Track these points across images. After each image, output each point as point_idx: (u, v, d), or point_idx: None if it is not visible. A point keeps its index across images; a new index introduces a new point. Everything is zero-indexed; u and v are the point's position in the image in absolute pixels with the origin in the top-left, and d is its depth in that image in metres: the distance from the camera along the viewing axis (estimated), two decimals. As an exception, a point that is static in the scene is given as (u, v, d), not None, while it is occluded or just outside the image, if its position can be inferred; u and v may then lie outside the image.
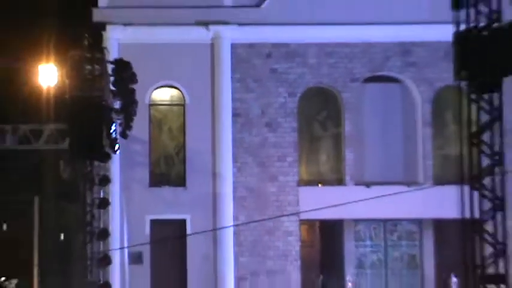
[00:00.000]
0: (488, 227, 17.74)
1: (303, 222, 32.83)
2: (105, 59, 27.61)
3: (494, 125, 18.30)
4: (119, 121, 28.40)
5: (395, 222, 33.31)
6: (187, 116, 32.97)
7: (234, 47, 32.73)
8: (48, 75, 27.52)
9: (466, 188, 18.11)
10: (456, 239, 24.16)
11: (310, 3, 32.67)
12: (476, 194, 17.97)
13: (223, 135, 32.45)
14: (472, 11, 17.99)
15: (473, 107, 18.43)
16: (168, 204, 32.34)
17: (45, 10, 29.54)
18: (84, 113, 24.54)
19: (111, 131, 26.94)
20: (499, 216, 17.74)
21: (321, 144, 33.57)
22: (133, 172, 32.11)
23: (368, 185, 32.20)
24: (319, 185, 33.29)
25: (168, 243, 32.37)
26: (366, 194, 30.23)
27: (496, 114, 18.24)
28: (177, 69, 32.60)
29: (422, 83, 32.68)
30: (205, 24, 32.53)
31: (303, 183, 32.84)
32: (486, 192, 18.04)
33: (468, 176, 18.49)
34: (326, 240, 33.74)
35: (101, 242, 27.71)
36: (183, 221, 32.31)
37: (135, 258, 31.16)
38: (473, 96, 18.36)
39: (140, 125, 30.72)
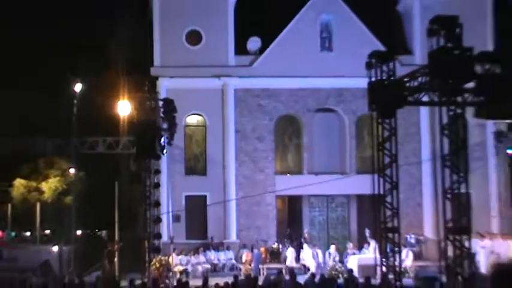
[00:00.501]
0: (388, 199, 20.35)
1: (278, 197, 34.47)
2: (158, 98, 29.01)
3: (392, 138, 20.59)
4: (166, 135, 28.43)
5: (333, 196, 34.75)
6: (208, 133, 34.62)
7: (236, 91, 34.38)
8: (124, 106, 28.75)
9: (376, 176, 20.64)
10: (370, 207, 26.92)
11: (282, 64, 33.74)
12: (382, 180, 20.46)
13: (229, 144, 34.22)
14: (378, 70, 20.46)
15: (380, 127, 20.70)
16: (195, 186, 34.07)
17: (124, 67, 30.62)
18: (145, 131, 26.45)
19: (161, 141, 27.80)
20: (394, 192, 20.33)
21: (288, 150, 35.46)
22: (174, 166, 33.38)
23: (316, 174, 33.73)
24: (288, 174, 34.90)
25: (196, 209, 33.94)
26: (315, 180, 32.58)
27: (393, 132, 20.58)
28: (201, 104, 34.03)
29: (349, 113, 34.08)
30: (218, 76, 33.94)
31: (277, 173, 34.59)
32: (387, 178, 20.52)
33: (377, 168, 20.82)
34: (291, 208, 35.39)
35: (155, 209, 28.36)
36: (205, 196, 33.98)
37: (176, 219, 32.33)
38: (379, 120, 20.74)
39: (179, 138, 31.05)
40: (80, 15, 40.24)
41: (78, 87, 29.74)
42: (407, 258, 26.55)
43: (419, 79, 20.07)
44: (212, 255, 31.06)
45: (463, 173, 18.60)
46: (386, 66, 20.65)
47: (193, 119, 34.85)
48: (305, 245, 31.02)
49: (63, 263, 30.09)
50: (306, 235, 33.04)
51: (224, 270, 29.34)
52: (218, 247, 32.03)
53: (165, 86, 33.39)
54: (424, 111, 31.16)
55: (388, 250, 20.83)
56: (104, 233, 37.50)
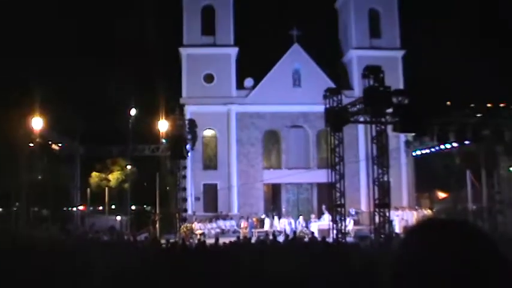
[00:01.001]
0: (337, 185, 20.53)
1: (265, 184, 34.13)
2: (185, 119, 29.43)
3: (340, 145, 20.99)
4: (189, 143, 28.63)
5: (302, 184, 34.32)
6: (218, 142, 34.47)
7: (236, 114, 34.24)
8: (162, 124, 28.02)
9: (330, 170, 20.95)
10: (325, 191, 27.09)
11: (267, 96, 33.74)
12: (333, 172, 20.82)
13: (232, 149, 34.12)
14: (331, 100, 20.78)
15: (332, 138, 21.10)
16: (210, 177, 33.91)
17: (163, 98, 29.48)
18: (176, 141, 26.47)
19: (187, 147, 27.89)
20: (341, 181, 20.48)
21: (272, 152, 35.22)
22: (196, 163, 32.70)
23: (290, 168, 33.40)
24: (271, 169, 34.56)
25: (210, 192, 33.83)
26: (290, 173, 32.68)
27: (341, 141, 20.93)
28: (213, 122, 33.84)
29: (312, 128, 33.74)
30: (225, 104, 33.87)
31: (264, 168, 34.43)
32: (337, 172, 20.73)
33: (330, 165, 21.13)
34: (274, 192, 34.87)
35: (183, 192, 28.49)
36: (216, 184, 33.87)
37: (197, 199, 32.15)
38: (332, 133, 21.09)
39: (198, 145, 31.43)
40: (134, 64, 40.45)
41: (133, 111, 29.74)
42: (349, 224, 26.52)
43: (358, 106, 20.34)
44: (221, 223, 30.81)
45: (385, 168, 19.03)
46: (336, 98, 21.03)
47: (208, 133, 34.60)
48: (282, 217, 30.95)
49: (123, 227, 30.20)
50: (283, 210, 33.11)
51: (229, 233, 29.02)
52: (225, 217, 31.80)
53: (190, 111, 33.19)
54: (360, 127, 31.02)
55: (337, 219, 21.08)
56: (149, 207, 37.24)
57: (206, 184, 33.83)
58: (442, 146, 27.02)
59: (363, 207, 31.37)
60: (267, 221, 29.45)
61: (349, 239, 23.55)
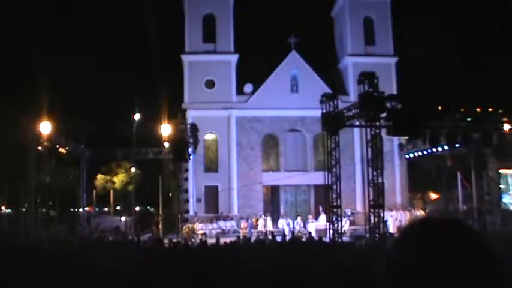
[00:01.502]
0: (334, 187, 20.52)
1: (264, 186, 33.83)
2: (187, 123, 29.11)
3: (336, 148, 20.98)
4: (191, 147, 27.68)
5: (299, 185, 34.05)
6: (219, 145, 34.18)
7: (237, 118, 33.95)
8: (165, 128, 27.38)
9: (326, 172, 20.89)
10: (322, 192, 26.93)
11: (266, 101, 33.54)
12: (330, 175, 20.78)
13: (232, 152, 33.88)
14: (327, 105, 20.77)
15: (329, 141, 21.10)
16: (210, 179, 33.60)
17: (165, 103, 28.76)
18: (178, 144, 26.24)
19: (189, 151, 27.37)
20: (337, 183, 20.58)
21: (270, 155, 34.87)
22: (197, 166, 32.73)
23: (289, 171, 33.37)
24: (270, 171, 34.26)
25: (211, 194, 33.53)
26: (288, 175, 32.57)
27: (337, 144, 20.91)
28: (214, 126, 33.65)
29: (309, 132, 33.47)
30: (225, 108, 33.68)
31: (264, 170, 34.16)
32: (333, 174, 20.71)
33: (327, 167, 21.09)
34: (273, 193, 34.45)
35: (185, 194, 28.41)
36: (217, 186, 33.51)
37: (198, 200, 32.23)
38: (328, 137, 21.09)
39: (200, 148, 30.96)
40: (138, 71, 40.53)
41: (137, 116, 29.61)
42: (345, 224, 26.54)
43: (353, 111, 20.30)
44: (222, 223, 30.68)
45: (379, 170, 18.92)
46: (332, 103, 21.09)
47: (209, 136, 34.42)
48: (281, 217, 30.84)
49: (127, 228, 30.12)
50: (282, 211, 32.92)
51: (229, 233, 28.92)
52: (225, 218, 31.63)
53: (192, 115, 32.99)
54: (356, 131, 30.88)
55: (333, 219, 21.02)
56: (152, 209, 37.13)
57: (207, 186, 33.65)
58: (433, 149, 26.98)
59: (358, 207, 31.16)
60: (260, 222, 29.33)
61: (345, 238, 23.42)
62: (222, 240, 18.31)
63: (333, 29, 39.20)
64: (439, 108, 21.20)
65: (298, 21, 37.54)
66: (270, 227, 28.95)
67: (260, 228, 28.68)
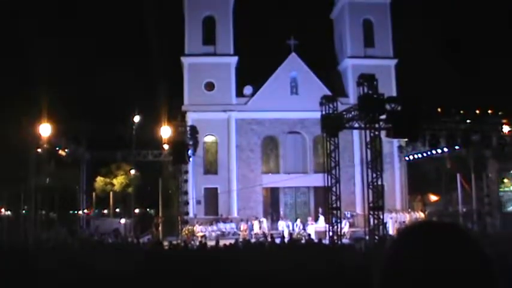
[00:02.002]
0: (333, 189, 20.56)
1: (263, 188, 33.65)
2: (186, 125, 29.30)
3: (336, 150, 21.01)
4: (191, 149, 28.59)
5: (299, 187, 33.81)
6: (218, 147, 33.88)
7: (236, 120, 33.76)
8: (165, 130, 27.37)
9: (326, 174, 20.95)
10: (322, 194, 26.44)
11: (266, 103, 33.41)
12: (329, 176, 20.82)
13: (232, 154, 33.65)
14: (327, 107, 20.73)
15: (328, 143, 21.15)
16: (210, 181, 33.33)
17: (165, 106, 28.84)
18: (178, 146, 26.46)
19: (188, 153, 27.76)
20: (337, 185, 20.60)
21: (270, 157, 34.67)
22: (197, 168, 32.51)
23: (288, 173, 32.95)
24: (270, 173, 33.98)
25: (211, 196, 33.21)
26: (288, 177, 32.12)
27: (336, 146, 20.93)
28: (214, 128, 33.40)
29: (309, 134, 33.37)
30: (225, 111, 33.50)
31: (263, 172, 33.94)
32: (333, 176, 20.70)
33: (326, 169, 21.14)
34: (272, 195, 34.20)
35: (185, 196, 28.65)
36: (216, 188, 33.23)
37: (198, 202, 31.97)
38: (328, 138, 21.18)
39: (200, 150, 31.20)
40: (138, 73, 40.52)
41: (136, 118, 29.52)
42: (345, 226, 26.56)
43: (352, 113, 20.32)
44: (221, 225, 30.62)
45: (379, 172, 18.97)
46: (332, 105, 21.12)
47: (209, 138, 34.29)
48: (281, 219, 30.77)
49: (127, 230, 30.03)
50: (281, 213, 32.87)
51: (229, 235, 28.81)
52: (225, 220, 31.52)
53: (191, 117, 32.91)
54: (355, 133, 30.78)
55: (333, 221, 21.05)
56: (152, 211, 37.07)
57: (207, 188, 33.47)
58: (433, 151, 27.08)
59: (358, 209, 31.08)
60: (256, 223, 29.29)
61: (345, 240, 23.41)
62: (222, 243, 18.28)
63: (332, 31, 39.19)
64: (439, 110, 21.41)
65: (298, 23, 37.96)
66: (266, 229, 28.92)
67: (256, 230, 28.67)
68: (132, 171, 32.66)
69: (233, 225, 30.76)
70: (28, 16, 36.49)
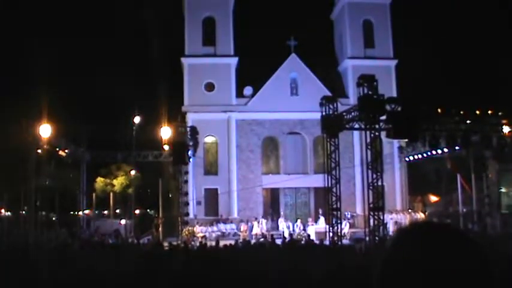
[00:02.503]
0: (333, 189, 20.45)
1: (263, 189, 33.71)
2: (186, 126, 29.30)
3: (336, 151, 20.93)
4: (191, 149, 28.20)
5: (299, 188, 33.88)
6: (218, 148, 33.90)
7: (236, 121, 33.76)
8: (165, 131, 27.23)
9: (326, 175, 20.84)
10: (322, 195, 26.49)
11: (266, 104, 33.48)
12: (329, 177, 20.73)
13: (232, 155, 33.66)
14: (327, 107, 20.67)
15: (328, 144, 21.03)
16: (210, 181, 33.36)
17: (165, 106, 28.31)
18: (178, 147, 26.34)
19: (188, 153, 27.77)
20: (337, 185, 20.50)
21: (270, 158, 34.67)
22: (197, 169, 32.61)
23: (289, 174, 32.96)
24: (270, 174, 34.03)
25: (211, 197, 33.29)
26: (288, 178, 32.15)
27: (337, 147, 20.86)
28: (214, 129, 33.44)
29: (309, 134, 33.44)
30: (225, 111, 33.53)
31: (263, 173, 33.96)
32: (333, 176, 20.60)
33: (327, 170, 21.02)
34: (273, 196, 34.29)
35: (185, 197, 28.52)
36: (217, 188, 33.28)
37: (198, 203, 32.02)
38: (328, 139, 21.06)
39: (200, 151, 31.27)
40: (138, 74, 40.51)
41: (136, 119, 29.45)
42: (345, 227, 26.52)
43: (353, 113, 20.29)
44: (221, 226, 30.58)
45: (379, 172, 18.89)
46: (332, 105, 21.07)
47: (209, 139, 34.29)
48: (281, 220, 30.66)
49: (127, 231, 29.97)
50: (282, 213, 32.76)
51: (229, 236, 28.82)
52: (225, 221, 31.51)
53: (191, 118, 32.93)
54: (355, 133, 30.72)
55: (333, 222, 20.97)
56: (152, 211, 37.03)
57: (207, 189, 33.49)
58: (433, 152, 27.04)
59: (358, 210, 31.07)
60: (255, 224, 29.30)
61: (345, 241, 23.37)
62: (222, 243, 18.23)
63: (332, 31, 39.22)
64: (439, 110, 21.39)
65: (298, 24, 37.55)
66: (264, 229, 28.91)
67: (256, 231, 28.64)
68: (132, 172, 32.45)
69: (233, 226, 30.69)
70: (28, 16, 36.43)
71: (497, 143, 22.71)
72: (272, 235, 24.98)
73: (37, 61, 30.09)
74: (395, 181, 33.79)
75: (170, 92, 33.20)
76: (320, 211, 29.68)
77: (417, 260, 1.10)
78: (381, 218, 18.38)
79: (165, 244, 18.89)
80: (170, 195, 32.39)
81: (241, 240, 23.07)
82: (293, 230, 28.53)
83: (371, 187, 18.70)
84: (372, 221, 18.36)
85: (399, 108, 18.18)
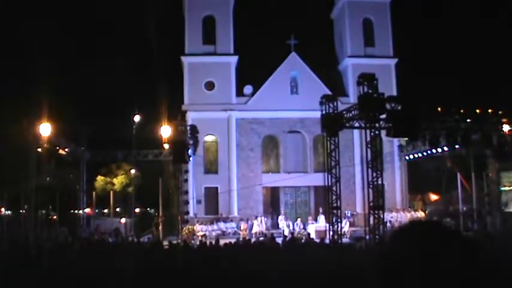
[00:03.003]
0: (333, 188, 20.11)
1: (264, 188, 33.73)
2: (186, 125, 29.18)
3: (336, 149, 20.76)
4: (191, 148, 28.07)
5: (299, 187, 33.89)
6: (218, 146, 33.94)
7: (236, 119, 33.80)
8: (165, 130, 27.13)
9: (326, 174, 20.69)
10: (322, 194, 26.77)
11: (266, 102, 33.44)
12: (330, 176, 20.57)
13: (232, 154, 33.70)
14: (327, 106, 20.56)
15: (328, 143, 20.87)
16: (210, 180, 33.40)
17: (165, 105, 27.97)
18: (178, 145, 26.14)
19: (188, 152, 27.65)
20: (337, 184, 20.32)
21: (270, 157, 34.67)
22: (197, 167, 32.61)
23: (289, 172, 33.10)
24: (270, 173, 34.01)
25: (211, 196, 33.32)
26: (288, 176, 32.21)
27: (337, 145, 20.69)
28: (214, 128, 33.46)
29: (309, 133, 33.41)
30: (225, 110, 33.59)
31: (263, 172, 33.99)
32: (333, 175, 20.49)
33: (327, 169, 20.90)
34: (273, 195, 34.28)
35: (185, 195, 28.57)
36: (217, 187, 33.32)
37: (198, 202, 32.07)
38: (328, 138, 20.89)
39: (200, 150, 31.27)
40: (138, 73, 40.47)
41: (137, 117, 29.47)
42: (345, 226, 26.50)
43: (353, 112, 20.25)
44: (221, 225, 30.56)
45: (379, 171, 18.83)
46: (332, 104, 20.95)
47: (209, 138, 34.31)
48: (281, 218, 30.63)
49: (127, 229, 29.97)
50: (282, 212, 32.75)
51: (229, 235, 28.82)
52: (225, 220, 31.51)
53: (191, 117, 32.96)
54: (355, 132, 30.77)
55: (333, 221, 20.89)
56: (152, 210, 37.04)
57: (207, 187, 33.49)
58: (433, 150, 27.05)
59: (358, 209, 31.04)
60: (255, 222, 29.22)
61: (345, 240, 23.37)
62: (222, 242, 18.19)
63: (332, 30, 39.21)
64: (439, 109, 21.37)
65: (298, 22, 37.31)
66: (264, 228, 28.93)
67: (256, 229, 28.60)
68: (133, 171, 32.53)
69: (233, 224, 30.66)
70: (28, 15, 36.44)
71: (497, 142, 22.75)
72: (272, 234, 25.00)
73: (37, 60, 30.11)
74: (395, 180, 33.82)
75: (170, 90, 33.25)
76: (320, 210, 29.71)
77: (413, 259, 1.12)
78: (381, 216, 18.28)
79: (165, 243, 18.89)
80: (170, 194, 32.32)
81: (241, 239, 23.05)
82: (293, 229, 28.51)
83: (371, 186, 18.63)
84: (372, 219, 18.28)
85: (399, 107, 18.14)
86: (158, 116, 28.26)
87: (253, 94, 34.62)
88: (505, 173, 26.77)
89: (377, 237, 17.85)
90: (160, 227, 29.25)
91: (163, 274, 8.48)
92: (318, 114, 21.46)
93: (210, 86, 34.30)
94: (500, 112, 22.00)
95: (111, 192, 33.18)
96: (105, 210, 38.21)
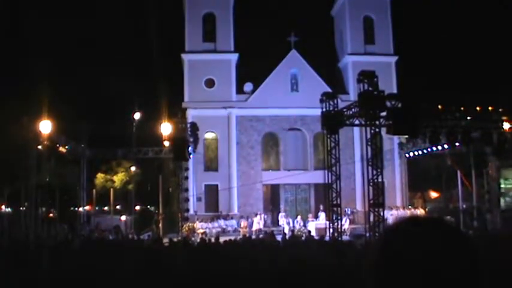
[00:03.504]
0: (334, 186, 20.30)
1: (264, 185, 33.63)
2: (187, 122, 29.23)
3: (336, 147, 20.78)
4: (191, 145, 28.27)
5: (299, 184, 33.94)
6: (219, 144, 34.05)
7: (236, 117, 33.87)
8: (165, 127, 26.97)
9: (326, 171, 20.73)
10: (322, 191, 26.64)
11: (266, 100, 33.46)
12: (330, 173, 20.59)
13: (232, 151, 33.76)
14: (327, 104, 20.53)
15: (328, 140, 20.90)
16: (210, 177, 33.54)
17: (165, 103, 28.21)
18: (179, 143, 26.08)
19: (189, 149, 27.48)
20: (337, 182, 20.37)
21: (270, 154, 34.69)
22: (198, 165, 32.69)
23: (289, 170, 33.39)
24: (270, 170, 34.06)
25: (211, 193, 33.42)
26: (288, 174, 32.78)
27: (337, 143, 20.70)
28: (214, 125, 33.56)
29: (309, 131, 33.50)
30: (225, 107, 33.62)
31: (263, 169, 34.02)
32: (333, 173, 20.50)
33: (327, 166, 20.93)
34: (273, 192, 34.33)
35: (185, 193, 28.53)
36: (217, 185, 33.41)
37: (198, 199, 32.22)
38: (328, 135, 20.91)
39: (200, 147, 31.29)
40: (138, 70, 40.40)
41: (137, 115, 29.45)
42: (345, 223, 26.48)
43: (353, 110, 20.33)
44: (222, 222, 30.52)
45: (379, 169, 18.90)
46: (332, 102, 20.94)
47: (209, 135, 34.33)
48: (281, 216, 30.62)
49: (127, 227, 29.96)
50: (282, 209, 32.75)
51: (229, 232, 28.78)
52: (226, 217, 31.50)
53: (192, 114, 32.92)
54: (356, 130, 30.76)
55: (333, 218, 20.95)
56: (152, 208, 37.02)
57: (207, 185, 33.49)
58: (433, 148, 26.97)
59: (358, 206, 31.02)
60: (255, 220, 29.24)
61: (345, 237, 23.36)
62: (222, 239, 18.16)
63: (333, 27, 39.17)
64: (439, 107, 21.41)
65: (298, 20, 36.90)
66: (261, 225, 28.93)
67: (255, 227, 28.64)
68: (133, 168, 32.51)
69: (233, 222, 30.70)
70: (28, 14, 36.39)
71: (497, 140, 22.73)
72: (272, 231, 24.81)
73: (37, 58, 30.17)
74: (395, 177, 33.83)
75: (170, 88, 33.30)
76: (320, 207, 29.73)
77: (408, 255, 1.11)
78: (381, 214, 18.40)
79: (165, 240, 18.88)
80: (170, 192, 32.37)
81: (241, 236, 23.02)
82: (293, 226, 28.52)
83: (371, 183, 18.69)
84: (372, 217, 18.32)
85: (399, 105, 18.22)
86: (158, 113, 28.20)
87: (253, 91, 34.63)
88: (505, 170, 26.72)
89: (377, 234, 17.87)
90: (160, 225, 29.26)
91: (164, 271, 8.49)
92: (318, 112, 21.46)
93: (210, 83, 34.28)
94: (500, 110, 22.09)
95: (111, 189, 33.17)
96: (105, 208, 38.23)
